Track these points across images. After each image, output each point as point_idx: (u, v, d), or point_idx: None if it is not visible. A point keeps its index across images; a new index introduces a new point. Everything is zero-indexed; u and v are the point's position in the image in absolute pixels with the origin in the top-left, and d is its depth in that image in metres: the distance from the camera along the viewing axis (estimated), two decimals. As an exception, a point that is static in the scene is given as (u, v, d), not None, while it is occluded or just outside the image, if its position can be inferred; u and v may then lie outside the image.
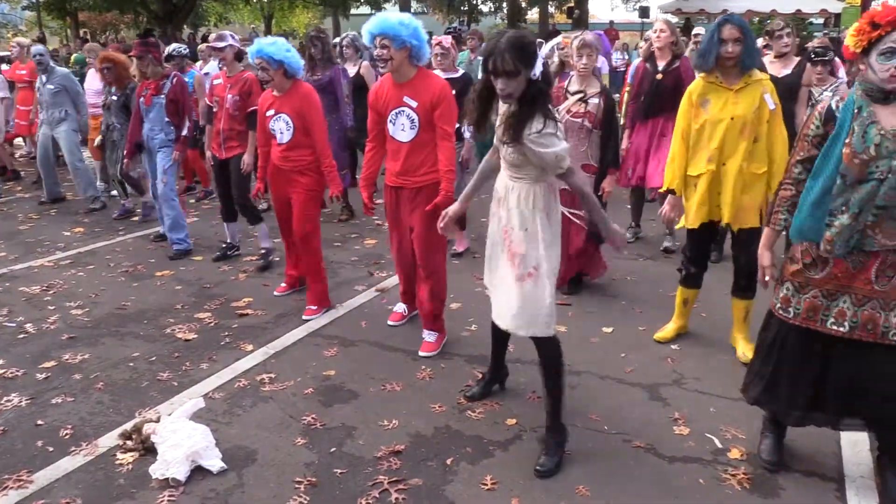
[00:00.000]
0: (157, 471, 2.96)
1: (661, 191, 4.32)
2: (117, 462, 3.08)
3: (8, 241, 6.57)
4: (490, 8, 34.84)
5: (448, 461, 3.06)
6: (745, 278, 3.94)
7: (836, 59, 6.67)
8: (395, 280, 5.27)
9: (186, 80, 7.10)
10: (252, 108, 5.24)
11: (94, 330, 4.54)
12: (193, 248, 6.10)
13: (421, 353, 4.06)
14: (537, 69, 2.73)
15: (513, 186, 2.95)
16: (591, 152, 4.69)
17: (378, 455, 3.10)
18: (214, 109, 5.57)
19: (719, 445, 3.17)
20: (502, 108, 2.89)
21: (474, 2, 31.42)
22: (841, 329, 2.70)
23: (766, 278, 2.91)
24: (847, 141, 2.56)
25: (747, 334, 3.98)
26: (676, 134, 3.93)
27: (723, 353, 4.03)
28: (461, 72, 5.82)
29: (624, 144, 5.84)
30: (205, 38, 14.46)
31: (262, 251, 5.68)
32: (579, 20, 25.80)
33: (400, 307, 4.58)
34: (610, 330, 4.41)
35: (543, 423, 3.31)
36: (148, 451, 3.11)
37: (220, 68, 6.46)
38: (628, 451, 3.13)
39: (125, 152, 6.24)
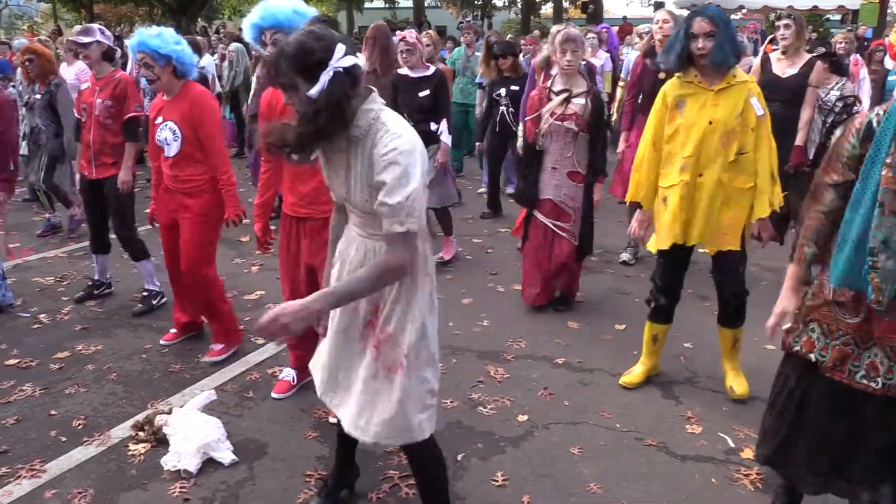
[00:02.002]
0: (168, 462, 2.97)
1: (626, 203, 3.79)
2: (129, 453, 3.09)
3: (22, 233, 6.61)
4: (504, 2, 34.74)
5: (459, 457, 3.05)
6: (733, 305, 3.47)
7: (856, 56, 6.48)
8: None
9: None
10: (129, 116, 4.45)
11: (108, 321, 4.56)
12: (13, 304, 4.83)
13: (274, 395, 3.54)
14: (318, 85, 1.93)
15: (366, 247, 2.19)
16: (578, 158, 4.38)
17: (388, 450, 3.09)
18: (82, 119, 4.59)
19: (732, 445, 3.15)
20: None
21: (488, -4, 31.42)
22: (872, 385, 2.21)
23: (784, 327, 2.40)
24: (887, 161, 2.09)
25: (736, 364, 3.62)
26: (645, 138, 3.44)
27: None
28: (432, 69, 5.37)
29: (620, 147, 5.44)
30: (218, 32, 14.50)
31: (144, 293, 4.74)
32: (594, 15, 25.66)
33: (288, 373, 3.65)
34: (622, 327, 4.39)
35: (556, 419, 3.32)
36: (160, 442, 3.12)
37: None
38: (640, 449, 3.12)
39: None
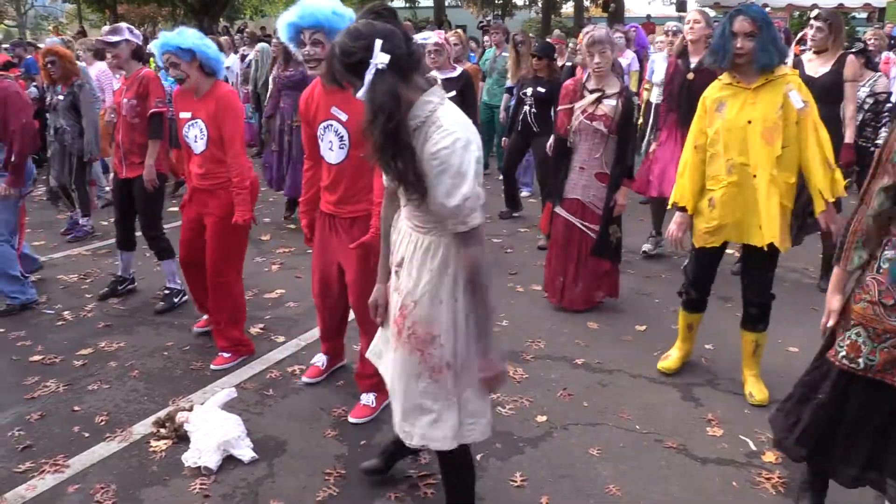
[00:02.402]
0: (189, 459, 2.99)
1: (668, 207, 3.83)
2: (151, 449, 3.12)
3: (47, 231, 6.70)
4: (524, 1, 34.63)
5: (478, 457, 3.04)
6: (756, 307, 3.44)
7: (888, 54, 6.39)
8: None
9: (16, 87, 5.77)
10: (152, 112, 4.47)
11: (130, 318, 4.61)
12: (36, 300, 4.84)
13: (351, 420, 3.34)
14: (365, 84, 1.94)
15: (413, 241, 2.18)
16: (607, 159, 4.38)
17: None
18: (114, 119, 4.74)
19: (753, 448, 3.12)
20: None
21: (508, -5, 31.32)
22: None
23: (830, 323, 2.43)
24: None
25: (757, 371, 3.57)
26: (689, 143, 3.45)
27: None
28: (459, 70, 5.34)
29: (652, 147, 5.42)
30: (240, 31, 14.59)
31: (166, 291, 4.79)
32: (615, 14, 25.50)
33: (319, 359, 3.78)
34: (643, 328, 4.36)
35: (575, 420, 3.30)
36: (181, 439, 3.15)
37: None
38: (660, 451, 3.10)
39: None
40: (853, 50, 5.11)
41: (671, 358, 3.79)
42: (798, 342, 4.02)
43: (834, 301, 2.42)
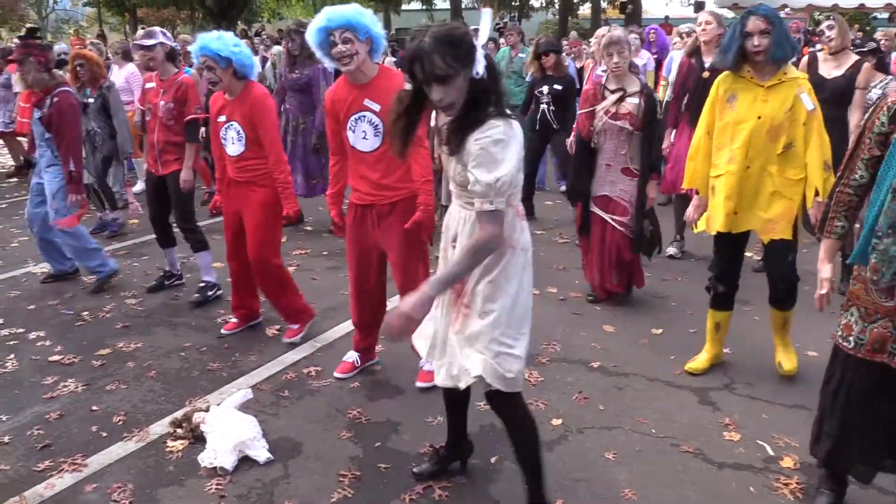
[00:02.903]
0: (205, 459, 3.01)
1: (682, 189, 4.08)
2: (167, 449, 3.15)
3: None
4: (541, 3, 34.59)
5: (492, 459, 3.04)
6: (783, 289, 3.61)
7: None
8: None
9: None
10: (190, 117, 4.68)
11: (148, 319, 4.65)
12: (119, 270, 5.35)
13: (419, 384, 3.63)
14: (479, 65, 2.17)
15: (466, 217, 2.38)
16: (632, 156, 4.47)
17: (422, 451, 3.10)
18: (147, 118, 4.87)
19: (771, 453, 3.08)
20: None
21: (525, -3, 31.30)
22: None
23: (823, 291, 2.56)
24: None
25: (786, 340, 3.75)
26: (700, 128, 3.61)
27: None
28: None
29: (665, 144, 5.45)
30: (258, 34, 14.68)
31: (201, 284, 4.93)
32: (632, 15, 25.41)
33: (351, 355, 3.87)
34: (659, 331, 4.33)
35: (590, 424, 3.29)
36: (197, 439, 3.17)
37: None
38: (676, 456, 3.07)
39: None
40: (866, 49, 5.13)
41: (699, 360, 3.85)
42: (817, 347, 3.98)
43: (825, 270, 2.57)
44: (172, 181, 4.74)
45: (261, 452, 3.05)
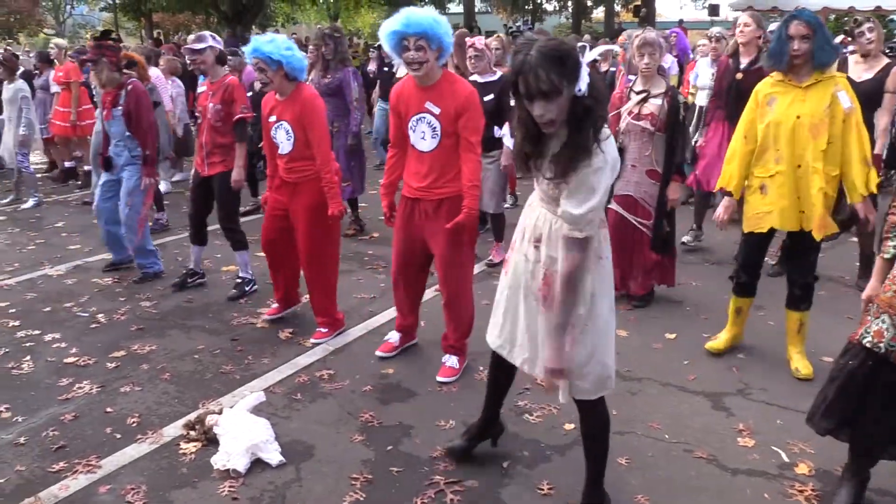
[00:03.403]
0: (218, 461, 3.02)
1: (714, 190, 4.15)
2: (181, 451, 3.16)
3: (83, 234, 6.84)
4: (555, 7, 34.56)
5: (504, 464, 3.03)
6: (800, 288, 3.73)
7: None
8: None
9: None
10: (238, 117, 4.79)
11: (162, 322, 4.67)
12: (164, 270, 5.56)
13: (439, 379, 3.77)
14: (583, 83, 2.16)
15: (553, 222, 2.42)
16: (656, 157, 4.51)
17: (434, 455, 3.09)
18: (199, 121, 5.08)
19: (786, 459, 3.06)
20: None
21: (538, 1, 31.20)
22: None
23: (870, 309, 2.62)
24: None
25: (802, 348, 3.82)
26: (738, 133, 3.74)
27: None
28: (498, 74, 5.52)
29: (700, 142, 5.67)
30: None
31: (238, 280, 5.11)
32: (646, 19, 25.32)
33: (392, 335, 4.13)
34: (673, 336, 4.31)
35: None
36: (210, 441, 3.18)
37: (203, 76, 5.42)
38: (690, 462, 3.05)
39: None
40: (890, 53, 5.07)
41: (719, 339, 4.03)
42: (832, 352, 3.91)
43: (870, 289, 2.66)
44: (219, 182, 4.87)
45: (273, 455, 3.06)
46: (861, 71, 4.79)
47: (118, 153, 5.26)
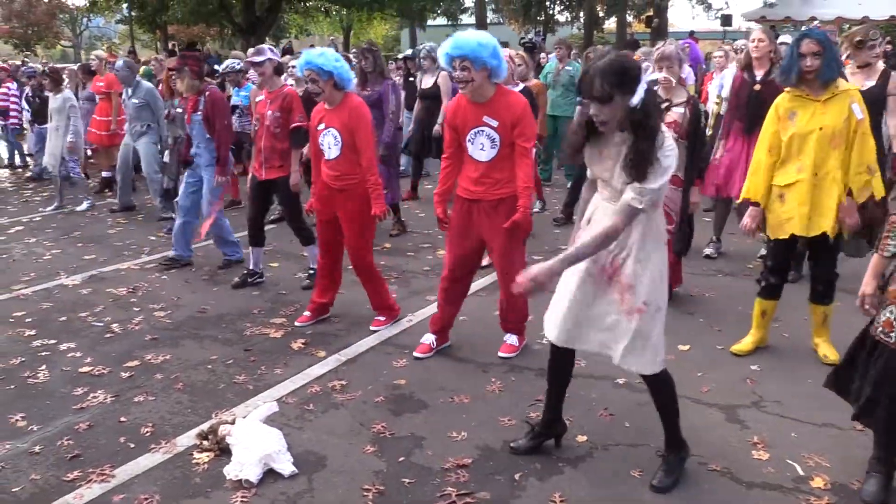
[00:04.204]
0: (231, 471, 3.03)
1: (737, 202, 4.33)
2: (194, 461, 3.17)
3: (98, 244, 6.90)
4: (567, 18, 34.63)
5: (516, 476, 3.02)
6: (822, 284, 4.00)
7: None
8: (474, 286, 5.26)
9: (233, 94, 7.35)
10: (295, 125, 5.12)
11: (176, 332, 4.70)
12: (243, 258, 5.93)
13: (501, 354, 4.15)
14: (637, 97, 2.49)
15: (606, 208, 2.76)
16: (678, 164, 4.59)
17: (446, 466, 3.09)
18: (256, 127, 5.37)
19: (801, 473, 3.03)
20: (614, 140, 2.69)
21: (550, 12, 31.26)
22: None
23: (866, 307, 2.76)
24: None
25: (827, 337, 4.08)
26: (762, 146, 3.92)
27: (806, 376, 3.86)
28: (521, 86, 5.66)
29: (718, 154, 5.75)
30: (286, 51, 14.86)
31: (311, 271, 5.45)
32: (658, 29, 25.33)
33: (428, 338, 4.28)
34: (686, 348, 4.29)
35: (615, 441, 3.26)
36: (223, 451, 3.19)
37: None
38: (703, 475, 3.03)
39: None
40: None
41: (744, 342, 4.19)
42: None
43: (868, 286, 2.74)
44: (282, 185, 5.26)
45: (285, 466, 3.07)
46: (862, 80, 4.91)
47: (199, 153, 5.75)
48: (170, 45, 25.62)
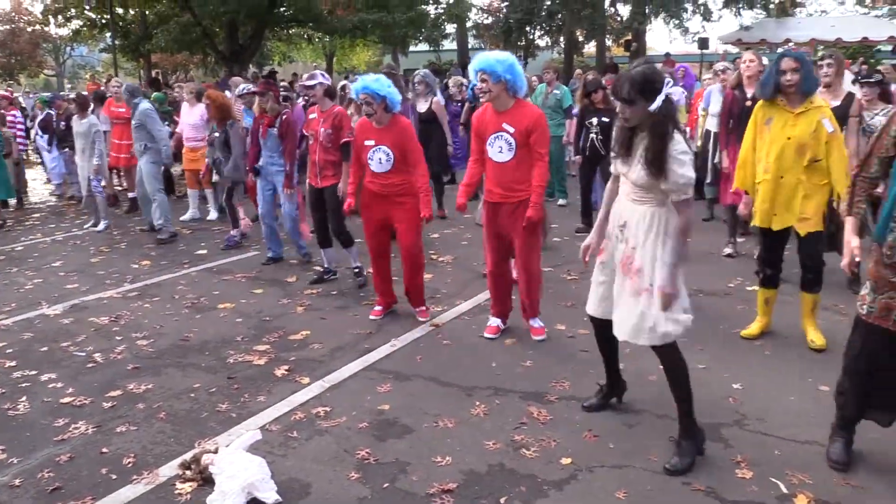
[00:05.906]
0: (214, 501, 3.00)
1: (731, 191, 5.07)
2: (176, 491, 3.14)
3: (81, 273, 6.85)
4: (547, 42, 35.02)
5: (501, 500, 3.02)
6: (811, 272, 4.41)
7: None
8: (451, 314, 5.31)
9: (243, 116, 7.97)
10: (345, 140, 5.67)
11: (158, 360, 4.67)
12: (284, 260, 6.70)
13: (535, 337, 4.75)
14: (657, 103, 2.94)
15: (635, 210, 3.16)
16: None
17: (431, 492, 3.08)
18: (310, 142, 6.01)
19: (785, 490, 3.04)
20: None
21: (531, 37, 31.55)
22: None
23: (847, 261, 3.10)
24: None
25: (815, 323, 4.52)
26: (747, 143, 4.49)
27: (789, 394, 3.89)
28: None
29: (725, 163, 6.36)
30: (269, 75, 14.94)
31: (355, 269, 6.13)
32: (637, 53, 25.67)
33: (494, 321, 4.93)
34: (669, 367, 4.30)
35: (600, 462, 3.27)
36: (206, 481, 3.16)
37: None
38: (688, 495, 3.04)
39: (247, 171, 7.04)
40: (871, 80, 5.72)
41: (751, 328, 4.70)
42: (829, 381, 3.94)
43: (852, 241, 3.10)
44: (330, 192, 5.85)
45: (269, 494, 3.04)
46: (829, 100, 5.14)
47: (270, 163, 6.61)
48: (153, 73, 25.65)
